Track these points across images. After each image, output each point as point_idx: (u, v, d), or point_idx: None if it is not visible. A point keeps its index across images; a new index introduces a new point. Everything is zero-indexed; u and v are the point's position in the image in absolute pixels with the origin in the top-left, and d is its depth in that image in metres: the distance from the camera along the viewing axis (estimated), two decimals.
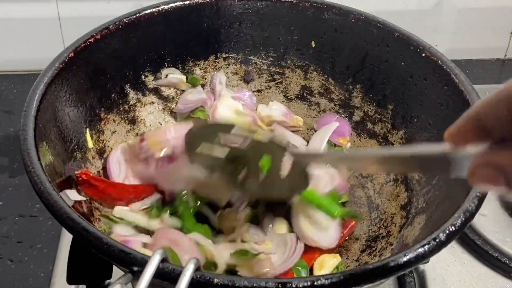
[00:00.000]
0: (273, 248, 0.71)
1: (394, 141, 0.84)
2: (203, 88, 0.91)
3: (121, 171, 0.78)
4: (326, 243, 0.74)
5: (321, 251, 0.74)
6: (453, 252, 0.86)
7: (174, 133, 0.78)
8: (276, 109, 0.91)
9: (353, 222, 0.78)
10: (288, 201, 0.75)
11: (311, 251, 0.74)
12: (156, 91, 0.89)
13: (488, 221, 0.88)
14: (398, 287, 0.80)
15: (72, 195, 0.66)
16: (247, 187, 0.67)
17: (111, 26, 0.79)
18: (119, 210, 0.73)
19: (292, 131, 0.92)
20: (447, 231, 0.54)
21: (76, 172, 0.71)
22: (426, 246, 0.53)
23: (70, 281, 0.65)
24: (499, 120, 0.35)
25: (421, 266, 0.84)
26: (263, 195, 0.71)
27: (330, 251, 0.75)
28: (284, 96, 0.94)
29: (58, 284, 0.78)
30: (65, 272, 0.65)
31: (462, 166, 0.38)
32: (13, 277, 0.82)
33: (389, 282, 0.81)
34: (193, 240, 0.68)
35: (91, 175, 0.71)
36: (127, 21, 0.81)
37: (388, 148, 0.67)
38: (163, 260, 0.49)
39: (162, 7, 0.83)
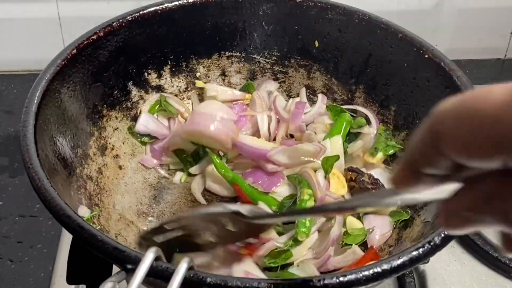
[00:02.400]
0: None
1: (396, 142, 0.84)
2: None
3: None
4: None
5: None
6: (453, 252, 0.86)
7: None
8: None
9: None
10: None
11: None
12: (159, 89, 0.89)
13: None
14: (398, 287, 0.80)
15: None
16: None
17: (114, 23, 0.79)
18: None
19: None
20: (442, 235, 0.54)
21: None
22: (421, 249, 0.53)
23: (70, 281, 0.65)
24: (431, 158, 0.33)
25: (421, 266, 0.84)
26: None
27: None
28: (287, 95, 0.94)
29: (58, 284, 0.78)
30: (65, 272, 0.65)
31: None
32: (13, 277, 0.82)
33: (389, 282, 0.81)
34: None
35: None
36: (130, 19, 0.81)
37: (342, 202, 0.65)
38: (157, 259, 0.49)
39: (165, 5, 0.83)
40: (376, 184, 0.78)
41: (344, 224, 0.77)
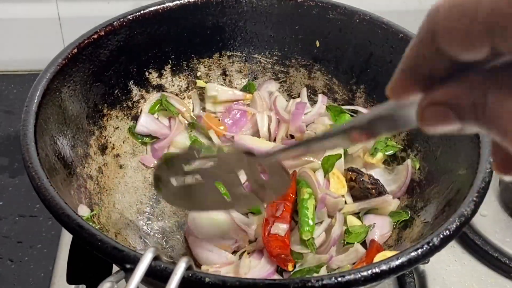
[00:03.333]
0: None
1: (396, 142, 0.84)
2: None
3: None
4: None
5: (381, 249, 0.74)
6: (453, 252, 0.86)
7: None
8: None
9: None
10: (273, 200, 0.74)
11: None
12: (159, 88, 0.89)
13: (488, 221, 0.87)
14: (398, 287, 0.80)
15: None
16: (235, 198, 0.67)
17: (115, 22, 0.79)
18: None
19: None
20: (441, 235, 0.54)
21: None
22: (420, 250, 0.53)
23: (70, 281, 0.65)
24: (429, 59, 0.34)
25: (421, 266, 0.84)
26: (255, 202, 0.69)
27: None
28: (288, 95, 0.94)
29: (58, 284, 0.78)
30: (65, 272, 0.65)
31: (411, 116, 0.37)
32: (13, 277, 0.82)
33: (389, 282, 0.81)
34: None
35: None
36: (131, 18, 0.81)
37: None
38: (156, 258, 0.49)
39: (166, 4, 0.83)
40: (376, 184, 0.78)
41: (345, 223, 0.77)
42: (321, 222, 0.76)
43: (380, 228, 0.76)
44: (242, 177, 0.65)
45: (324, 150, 0.76)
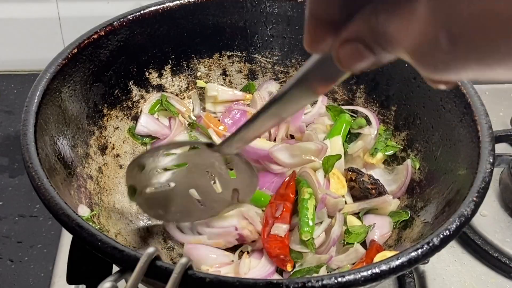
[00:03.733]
0: None
1: (396, 143, 0.84)
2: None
3: None
4: None
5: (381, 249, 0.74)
6: (453, 252, 0.86)
7: None
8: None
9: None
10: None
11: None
12: (159, 88, 0.89)
13: (488, 221, 0.87)
14: (398, 287, 0.80)
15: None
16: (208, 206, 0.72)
17: (115, 22, 0.79)
18: None
19: None
20: (441, 236, 0.54)
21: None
22: (419, 250, 0.53)
23: (70, 281, 0.65)
24: (324, 3, 0.35)
25: (421, 266, 0.84)
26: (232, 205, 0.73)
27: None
28: None
29: (58, 284, 0.78)
30: (65, 272, 0.65)
31: (331, 62, 0.37)
32: (13, 277, 0.82)
33: (389, 282, 0.81)
34: None
35: None
36: (131, 18, 0.81)
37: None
38: (156, 258, 0.49)
39: (166, 4, 0.83)
40: (376, 184, 0.78)
41: (345, 223, 0.77)
42: (321, 222, 0.76)
43: (380, 228, 0.76)
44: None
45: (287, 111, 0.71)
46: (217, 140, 0.89)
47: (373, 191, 0.77)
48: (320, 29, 0.37)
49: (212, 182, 0.71)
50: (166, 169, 0.71)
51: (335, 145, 0.83)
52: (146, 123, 0.86)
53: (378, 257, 0.70)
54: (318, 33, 0.37)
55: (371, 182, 0.78)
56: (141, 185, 0.69)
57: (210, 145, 0.65)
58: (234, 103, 0.92)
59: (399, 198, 0.80)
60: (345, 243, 0.74)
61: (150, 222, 0.79)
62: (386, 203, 0.77)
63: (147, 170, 0.68)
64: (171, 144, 0.70)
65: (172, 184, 0.71)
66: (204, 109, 0.93)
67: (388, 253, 0.70)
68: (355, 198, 0.80)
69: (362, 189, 0.78)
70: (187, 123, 0.90)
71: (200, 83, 0.92)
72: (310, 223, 0.72)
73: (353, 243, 0.73)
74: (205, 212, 0.73)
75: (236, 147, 0.61)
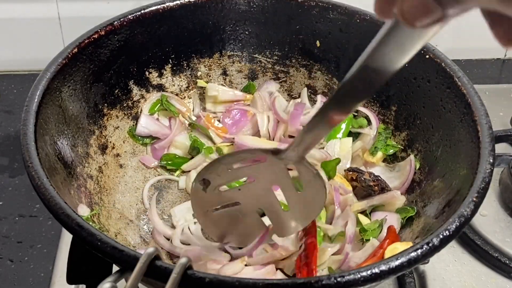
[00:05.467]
0: None
1: (397, 143, 0.84)
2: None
3: None
4: None
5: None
6: (453, 252, 0.86)
7: None
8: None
9: None
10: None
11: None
12: (160, 88, 0.89)
13: (488, 221, 0.87)
14: (398, 287, 0.80)
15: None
16: (277, 226, 0.67)
17: (116, 22, 0.79)
18: None
19: None
20: (441, 236, 0.54)
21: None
22: (419, 250, 0.53)
23: (70, 281, 0.65)
24: None
25: (421, 267, 0.84)
26: (296, 226, 0.67)
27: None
28: (288, 95, 0.94)
29: (58, 284, 0.78)
30: (65, 272, 0.65)
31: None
32: (13, 277, 0.82)
33: (389, 282, 0.81)
34: None
35: None
36: (131, 18, 0.81)
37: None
38: (155, 258, 0.49)
39: (167, 4, 0.83)
40: (377, 181, 0.78)
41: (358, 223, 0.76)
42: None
43: (389, 224, 0.75)
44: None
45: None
46: (217, 140, 0.89)
47: (376, 187, 0.77)
48: None
49: (279, 199, 0.66)
50: (231, 186, 0.68)
51: (345, 145, 0.82)
52: (146, 124, 0.86)
53: (389, 251, 0.70)
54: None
55: (372, 179, 0.78)
56: (206, 206, 0.66)
57: (276, 152, 0.60)
58: (235, 103, 0.92)
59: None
60: (364, 240, 0.74)
61: (150, 221, 0.79)
62: (394, 198, 0.77)
63: (212, 188, 0.64)
64: (233, 156, 0.64)
65: (238, 204, 0.67)
66: (204, 109, 0.93)
67: (399, 245, 0.70)
68: (359, 197, 0.80)
69: (364, 187, 0.78)
70: (188, 123, 0.90)
71: (200, 82, 0.92)
72: (321, 233, 0.73)
73: (370, 239, 0.73)
74: (276, 233, 0.69)
75: (303, 150, 0.57)
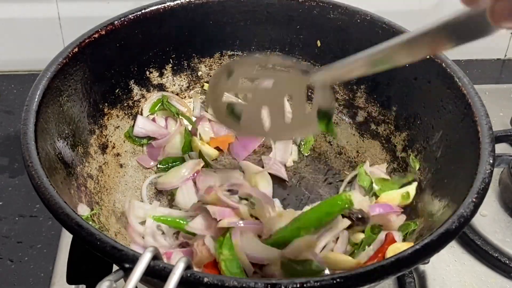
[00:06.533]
0: None
1: (396, 143, 0.84)
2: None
3: None
4: None
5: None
6: (453, 252, 0.86)
7: None
8: None
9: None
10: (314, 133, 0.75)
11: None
12: (160, 87, 0.89)
13: (488, 221, 0.87)
14: (398, 287, 0.80)
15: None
16: (273, 129, 0.69)
17: (116, 22, 0.79)
18: None
19: None
20: (440, 236, 0.54)
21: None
22: (419, 251, 0.53)
23: (70, 281, 0.65)
24: None
25: (421, 267, 0.84)
26: (290, 134, 0.74)
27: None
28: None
29: (58, 284, 0.78)
30: (65, 272, 0.65)
31: (483, 19, 0.38)
32: (13, 277, 0.82)
33: (389, 282, 0.81)
34: None
35: None
36: (132, 17, 0.81)
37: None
38: (155, 258, 0.49)
39: (167, 3, 0.83)
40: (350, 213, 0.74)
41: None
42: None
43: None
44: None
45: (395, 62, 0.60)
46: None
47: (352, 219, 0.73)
48: None
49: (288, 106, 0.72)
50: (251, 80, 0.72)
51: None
52: (144, 125, 0.86)
53: (390, 251, 0.70)
54: None
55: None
56: (221, 90, 0.71)
57: (305, 71, 0.66)
58: None
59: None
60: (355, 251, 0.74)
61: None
62: (390, 222, 0.75)
63: (233, 78, 0.69)
64: (266, 58, 0.73)
65: (249, 96, 0.72)
66: (206, 111, 0.93)
67: (400, 245, 0.70)
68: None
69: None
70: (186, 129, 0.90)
71: (207, 87, 0.92)
72: None
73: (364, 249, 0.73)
74: (270, 135, 0.75)
75: (331, 78, 0.63)
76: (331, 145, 0.91)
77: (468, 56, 1.26)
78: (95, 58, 0.77)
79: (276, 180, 0.87)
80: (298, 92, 0.67)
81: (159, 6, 0.83)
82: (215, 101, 0.72)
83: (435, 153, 0.76)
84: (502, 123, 1.06)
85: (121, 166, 0.83)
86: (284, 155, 0.90)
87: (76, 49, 0.74)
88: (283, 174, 0.87)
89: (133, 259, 0.49)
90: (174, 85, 0.91)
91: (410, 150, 0.82)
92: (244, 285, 0.48)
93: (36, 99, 0.66)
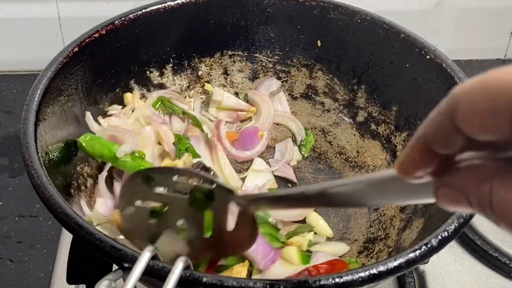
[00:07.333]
0: None
1: (397, 143, 0.84)
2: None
3: None
4: None
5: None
6: (453, 252, 0.86)
7: None
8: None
9: None
10: (238, 255, 0.68)
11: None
12: (161, 87, 0.89)
13: (488, 221, 0.87)
14: (398, 287, 0.80)
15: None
16: (191, 245, 0.60)
17: (117, 21, 0.79)
18: None
19: (243, 120, 0.95)
20: (439, 237, 0.54)
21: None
22: (418, 252, 0.53)
23: (70, 280, 0.65)
24: (444, 136, 0.32)
25: (421, 267, 0.84)
26: (209, 254, 0.62)
27: None
28: (289, 94, 0.94)
29: (58, 284, 0.78)
30: (65, 272, 0.65)
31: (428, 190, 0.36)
32: (13, 277, 0.82)
33: (389, 282, 0.81)
34: None
35: None
36: (132, 17, 0.81)
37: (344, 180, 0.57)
38: (154, 258, 0.49)
39: (168, 3, 0.83)
40: None
41: None
42: None
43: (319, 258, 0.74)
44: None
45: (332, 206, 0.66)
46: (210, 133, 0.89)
47: None
48: (426, 156, 0.34)
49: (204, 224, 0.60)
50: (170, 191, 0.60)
51: None
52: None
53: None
54: (420, 160, 0.35)
55: None
56: (136, 197, 0.60)
57: (231, 192, 0.57)
58: (240, 113, 0.93)
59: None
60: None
61: None
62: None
63: (152, 186, 0.59)
64: (190, 172, 0.61)
65: (166, 208, 0.60)
66: (206, 111, 0.93)
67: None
68: None
69: None
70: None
71: (208, 87, 0.92)
72: None
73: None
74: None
75: (259, 208, 0.56)
76: (331, 145, 0.92)
77: (468, 56, 1.26)
78: (96, 57, 0.78)
79: (283, 181, 0.88)
80: (220, 209, 0.58)
81: (160, 5, 0.83)
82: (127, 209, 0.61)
83: None
84: None
85: None
86: (288, 156, 0.91)
87: (77, 49, 0.74)
88: (291, 175, 0.88)
89: (132, 258, 0.49)
90: (175, 84, 0.91)
91: None
92: (243, 285, 0.48)
93: (36, 99, 0.66)
